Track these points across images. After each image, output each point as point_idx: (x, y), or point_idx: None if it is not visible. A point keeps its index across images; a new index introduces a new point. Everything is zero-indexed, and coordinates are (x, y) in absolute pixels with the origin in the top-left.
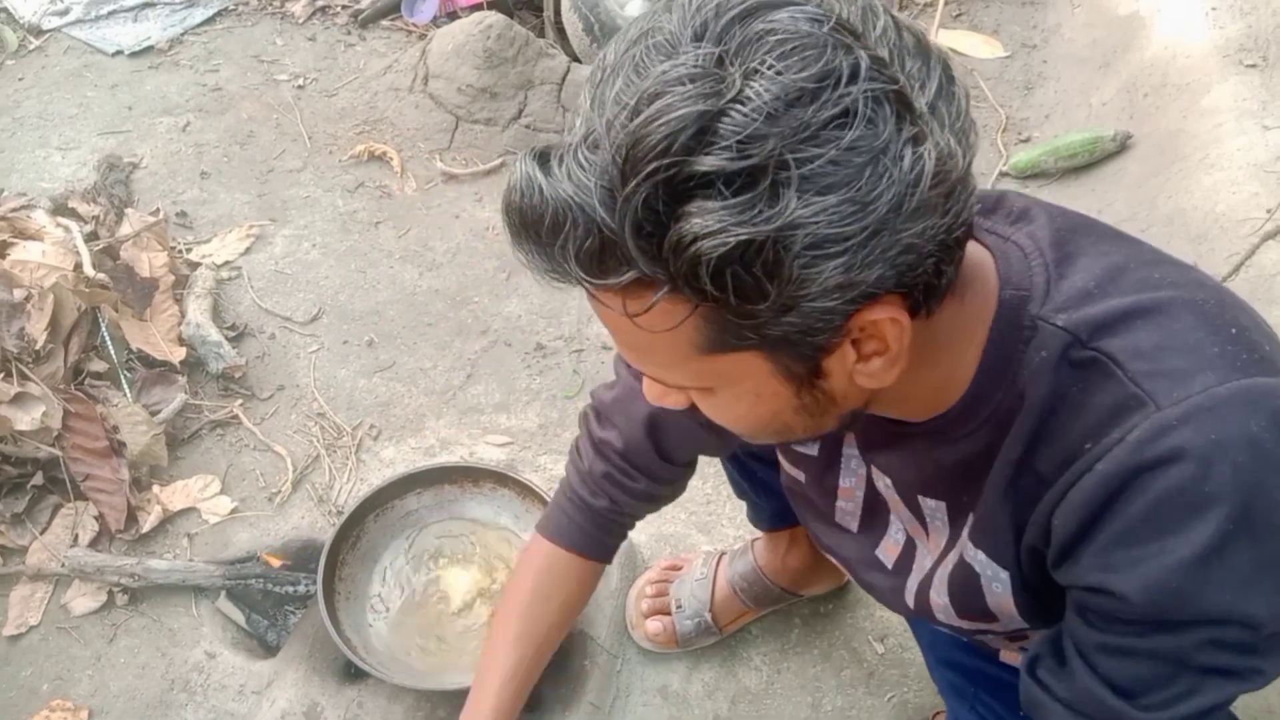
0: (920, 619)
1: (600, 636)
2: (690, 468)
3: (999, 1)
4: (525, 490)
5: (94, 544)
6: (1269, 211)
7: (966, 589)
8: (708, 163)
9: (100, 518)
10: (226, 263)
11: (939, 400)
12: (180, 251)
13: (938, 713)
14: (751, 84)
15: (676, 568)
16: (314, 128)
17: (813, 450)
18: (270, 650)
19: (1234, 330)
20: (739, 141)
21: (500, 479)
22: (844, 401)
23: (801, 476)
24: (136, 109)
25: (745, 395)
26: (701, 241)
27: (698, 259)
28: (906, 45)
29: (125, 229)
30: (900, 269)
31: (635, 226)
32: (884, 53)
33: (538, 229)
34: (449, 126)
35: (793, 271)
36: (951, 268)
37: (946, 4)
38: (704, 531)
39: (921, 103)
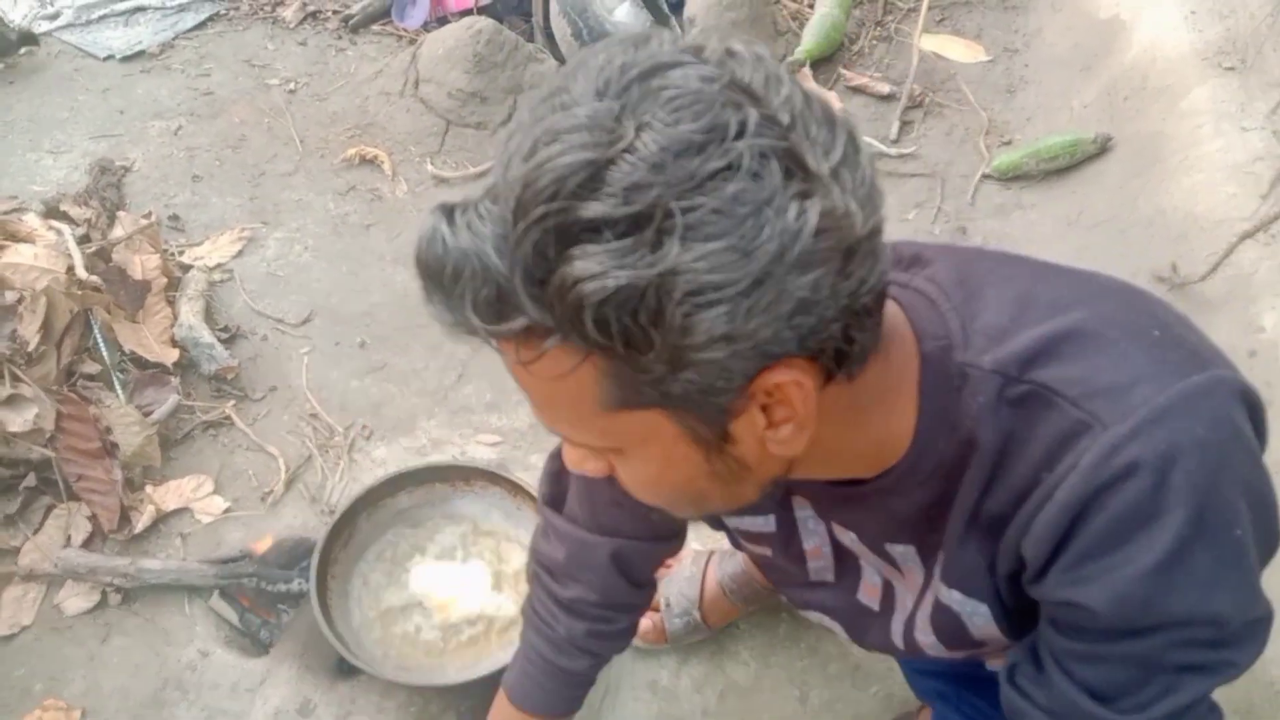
0: (911, 658)
1: None
2: (655, 581)
3: (981, 6)
4: (516, 489)
5: (87, 544)
6: (1247, 219)
7: (949, 627)
8: (593, 209)
9: (93, 518)
10: (218, 265)
11: (880, 458)
12: (172, 254)
13: (923, 706)
14: (641, 136)
15: (666, 566)
16: (305, 131)
17: (770, 526)
18: (263, 648)
19: (1156, 332)
20: (625, 189)
21: (491, 478)
22: (760, 469)
23: (768, 552)
24: (128, 113)
25: (654, 459)
26: (584, 284)
27: (580, 302)
28: (812, 113)
29: (117, 232)
30: (800, 331)
31: (525, 271)
32: (785, 116)
33: (440, 279)
34: (439, 130)
35: (675, 318)
36: (866, 333)
37: (929, 9)
38: (693, 529)
39: (823, 166)
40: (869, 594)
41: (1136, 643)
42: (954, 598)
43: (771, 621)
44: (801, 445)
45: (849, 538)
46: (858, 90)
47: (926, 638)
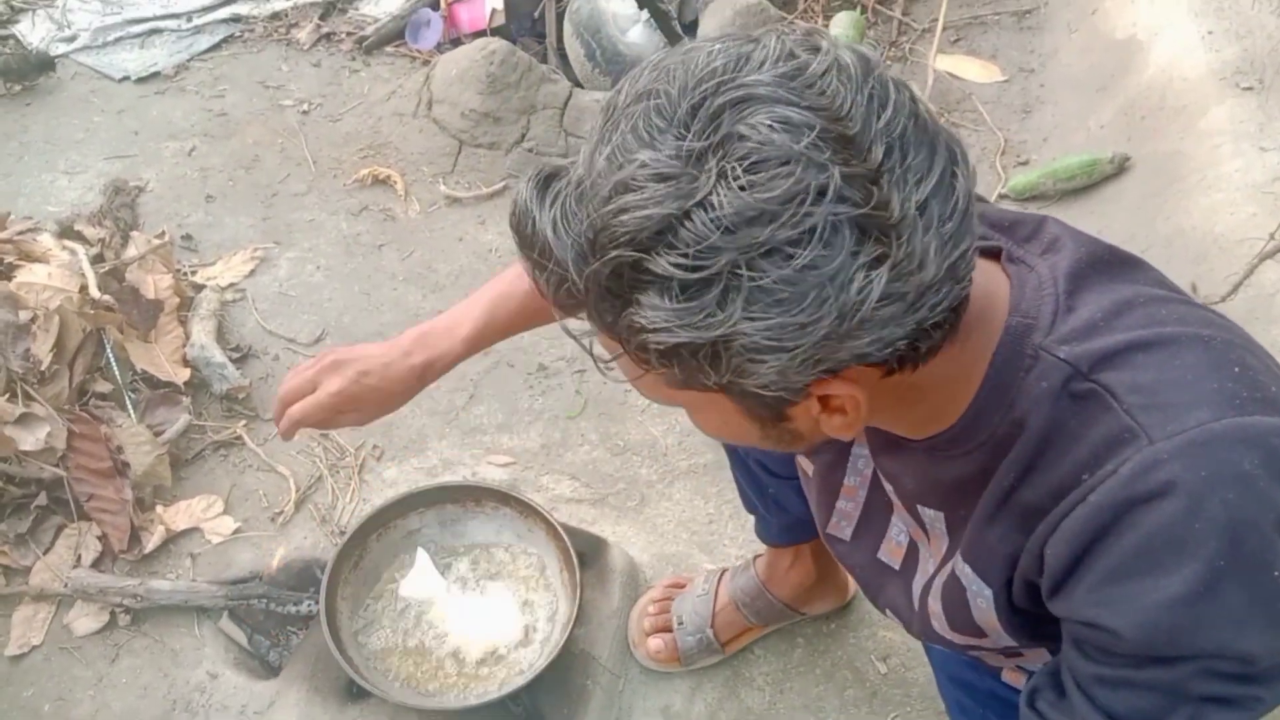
0: (925, 638)
1: (603, 656)
2: None
3: (997, 27)
4: (527, 510)
5: (97, 564)
6: (1272, 235)
7: (955, 601)
8: (663, 265)
9: (103, 538)
10: (231, 285)
11: (935, 423)
12: (185, 274)
13: None
14: (719, 190)
15: (679, 586)
16: (318, 152)
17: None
18: (272, 670)
19: (1237, 369)
20: (696, 250)
21: (502, 498)
22: (811, 437)
23: (810, 470)
24: (143, 134)
25: (713, 421)
26: (648, 334)
27: (645, 345)
28: (917, 132)
29: (131, 251)
30: (860, 352)
31: (597, 298)
32: (878, 151)
33: (530, 252)
34: (452, 150)
35: (731, 365)
36: (938, 333)
37: (944, 30)
38: (706, 551)
39: (910, 203)
40: (891, 554)
41: (1162, 670)
42: (966, 572)
43: (787, 646)
44: (853, 433)
45: (889, 488)
46: None
47: (935, 605)
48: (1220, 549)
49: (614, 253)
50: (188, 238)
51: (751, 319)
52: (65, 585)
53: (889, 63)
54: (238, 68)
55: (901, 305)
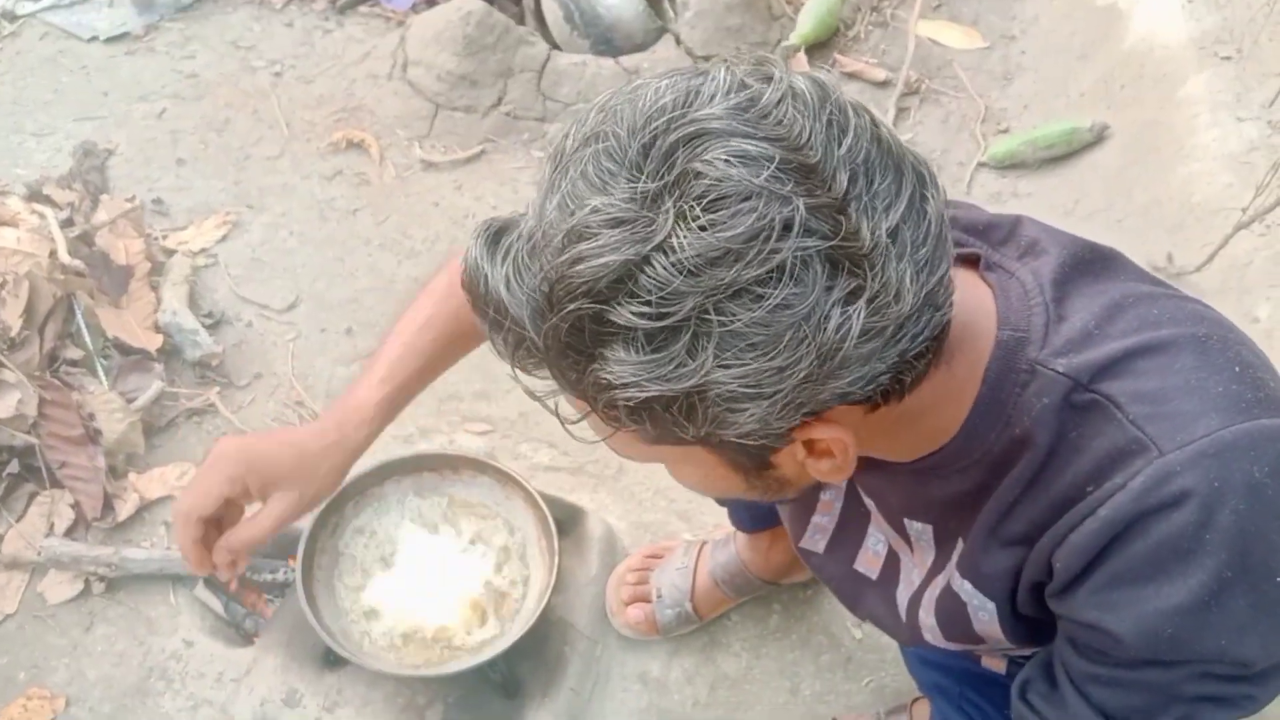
0: (909, 640)
1: (580, 623)
2: None
3: None
4: (505, 478)
5: (70, 532)
6: (1243, 210)
7: (954, 616)
8: (625, 315)
9: (76, 506)
10: (203, 250)
11: (925, 445)
12: (156, 239)
13: (916, 699)
14: (678, 232)
15: (657, 556)
16: (291, 115)
17: None
18: (248, 638)
19: (1237, 368)
20: (659, 298)
21: (479, 466)
22: (800, 482)
23: None
24: (112, 95)
25: (693, 474)
26: (616, 390)
27: (613, 401)
28: (881, 156)
29: (101, 216)
30: (842, 392)
31: (558, 355)
32: (843, 178)
33: (484, 313)
34: (428, 114)
35: (708, 416)
36: (922, 363)
37: None
38: (684, 519)
39: (880, 229)
40: (868, 564)
41: (1158, 672)
42: (965, 588)
43: (763, 613)
44: (845, 475)
45: (868, 503)
46: (853, 76)
47: (928, 619)
48: (1229, 560)
49: (571, 305)
50: (158, 201)
51: (725, 366)
52: (39, 554)
53: (871, 27)
54: (208, 28)
55: (881, 340)
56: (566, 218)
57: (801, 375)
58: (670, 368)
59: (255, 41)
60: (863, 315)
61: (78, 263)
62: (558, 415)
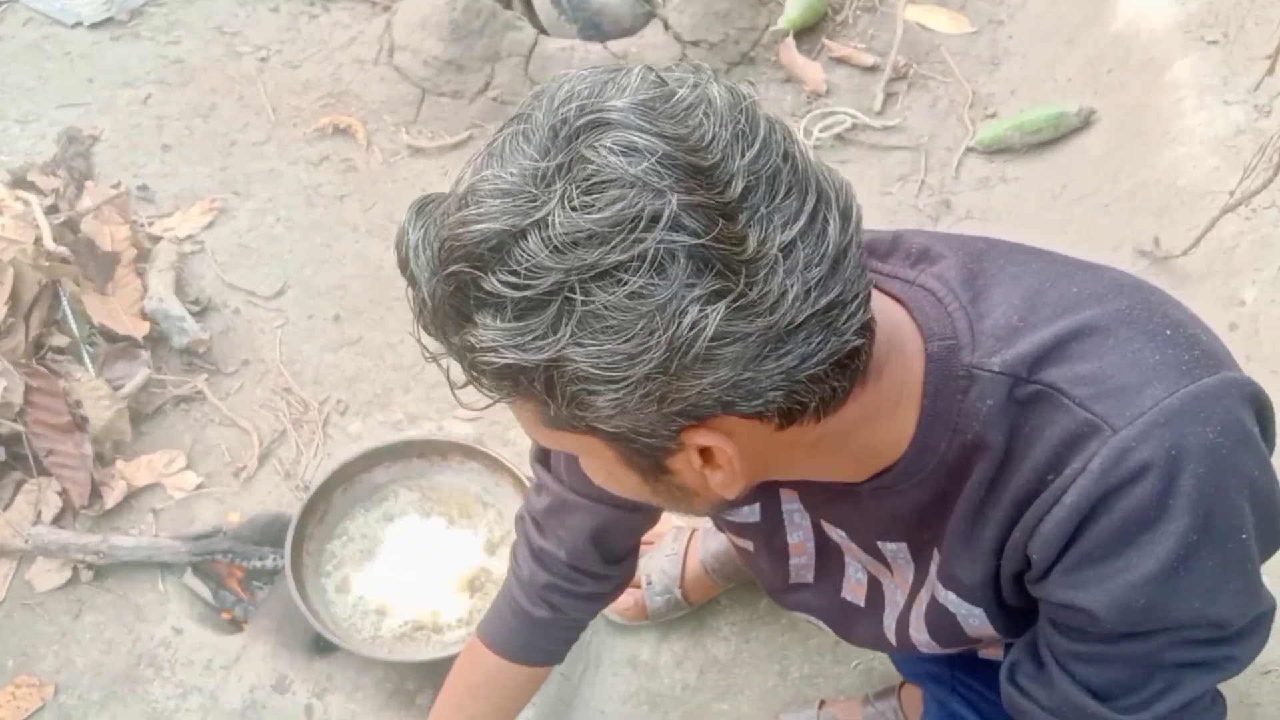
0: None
1: None
2: (634, 555)
3: None
4: (494, 464)
5: (58, 520)
6: (1230, 193)
7: (945, 628)
8: (494, 283)
9: (64, 493)
10: (189, 236)
11: (873, 463)
12: (142, 225)
13: (904, 682)
14: (557, 212)
15: (647, 542)
16: (277, 100)
17: (754, 517)
18: (237, 625)
19: (1168, 331)
20: (526, 269)
21: (468, 452)
22: (706, 494)
23: (750, 546)
24: (96, 81)
25: (598, 468)
26: (478, 354)
27: (475, 365)
28: (786, 176)
29: (86, 202)
30: (722, 400)
31: (441, 316)
32: (737, 187)
33: (404, 272)
34: (415, 99)
35: (566, 394)
36: (829, 386)
37: None
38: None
39: (770, 243)
40: (854, 591)
41: (1137, 644)
42: (950, 599)
43: (752, 597)
44: (738, 490)
45: (837, 534)
46: (841, 61)
47: (920, 635)
48: (1193, 523)
49: (453, 267)
50: (144, 188)
51: (580, 344)
52: (26, 541)
53: (859, 12)
54: (193, 13)
55: (747, 348)
56: (464, 185)
57: (653, 365)
58: (528, 338)
59: (241, 27)
60: (721, 315)
61: (63, 249)
62: (448, 378)
